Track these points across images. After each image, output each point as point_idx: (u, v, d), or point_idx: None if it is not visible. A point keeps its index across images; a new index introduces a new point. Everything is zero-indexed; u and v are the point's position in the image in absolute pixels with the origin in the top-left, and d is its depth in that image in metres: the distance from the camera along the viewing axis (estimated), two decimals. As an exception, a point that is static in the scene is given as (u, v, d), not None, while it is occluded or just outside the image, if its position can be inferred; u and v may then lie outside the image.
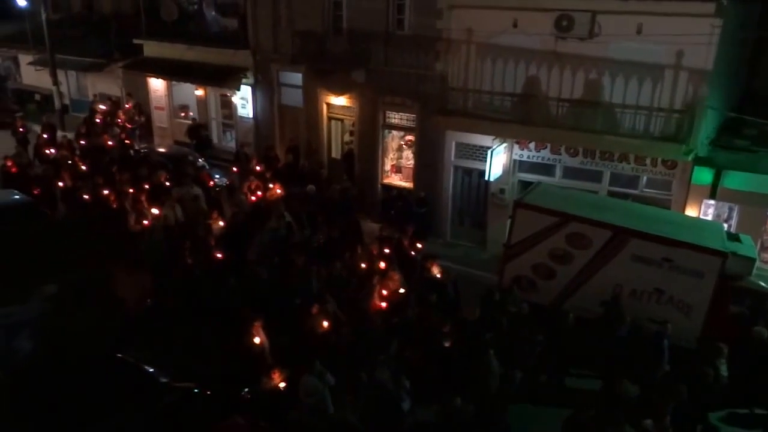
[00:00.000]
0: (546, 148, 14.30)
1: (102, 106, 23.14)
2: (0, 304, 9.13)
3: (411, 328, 9.94)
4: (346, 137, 18.51)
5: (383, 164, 17.43)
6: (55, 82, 24.85)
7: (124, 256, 11.92)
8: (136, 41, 22.52)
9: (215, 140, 22.01)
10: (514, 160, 14.82)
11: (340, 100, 17.65)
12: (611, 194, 13.74)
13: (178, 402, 8.29)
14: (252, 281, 10.90)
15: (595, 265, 11.12)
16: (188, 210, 13.67)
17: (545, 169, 14.54)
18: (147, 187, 14.42)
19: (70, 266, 10.01)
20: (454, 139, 15.52)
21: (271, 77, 19.19)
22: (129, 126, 21.67)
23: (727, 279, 10.39)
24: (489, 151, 14.19)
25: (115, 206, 13.83)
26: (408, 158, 17.08)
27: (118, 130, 20.45)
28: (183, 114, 23.14)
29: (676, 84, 12.55)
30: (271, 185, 15.29)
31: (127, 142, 19.86)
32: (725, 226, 12.40)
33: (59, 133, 21.26)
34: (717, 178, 12.68)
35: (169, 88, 22.88)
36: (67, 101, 26.70)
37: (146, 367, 8.70)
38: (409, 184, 16.93)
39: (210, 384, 8.66)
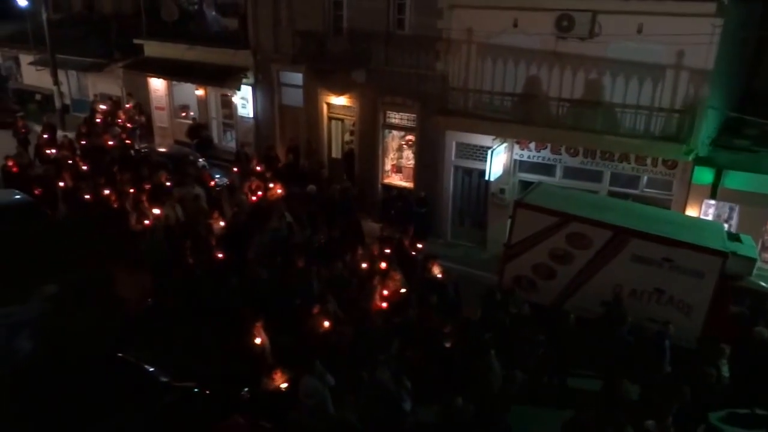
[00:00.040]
0: (546, 148, 14.29)
1: (102, 106, 23.19)
2: (0, 303, 9.13)
3: (412, 328, 9.93)
4: (347, 137, 18.51)
5: (383, 164, 17.43)
6: (56, 82, 24.86)
7: (124, 256, 11.92)
8: (136, 41, 22.52)
9: (215, 140, 22.03)
10: (515, 160, 14.81)
11: (341, 100, 17.65)
12: (612, 194, 13.74)
13: (178, 402, 8.29)
14: (252, 281, 10.90)
15: (595, 265, 11.11)
16: (189, 210, 13.68)
17: (545, 169, 14.53)
18: (148, 187, 14.43)
19: (70, 266, 10.01)
20: (454, 139, 15.52)
21: (272, 77, 19.19)
22: (129, 126, 21.68)
23: (728, 279, 10.39)
24: (489, 151, 14.19)
25: (115, 206, 13.83)
26: (408, 158, 17.08)
27: (118, 130, 20.46)
28: (183, 114, 23.15)
29: (676, 84, 12.54)
30: (271, 185, 15.29)
31: (127, 142, 19.89)
32: (726, 226, 12.39)
33: (60, 133, 21.27)
34: (717, 178, 12.67)
35: (170, 88, 22.87)
36: (67, 101, 26.74)
37: (146, 367, 8.71)
38: (409, 184, 16.92)
39: (210, 384, 8.65)
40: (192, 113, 22.71)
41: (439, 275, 11.40)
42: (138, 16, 22.75)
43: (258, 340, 9.21)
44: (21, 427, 7.47)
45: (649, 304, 10.77)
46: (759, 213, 12.71)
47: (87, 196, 14.17)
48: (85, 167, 16.23)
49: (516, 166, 14.87)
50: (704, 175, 12.80)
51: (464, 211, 16.23)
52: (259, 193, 15.01)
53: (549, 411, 9.61)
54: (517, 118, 13.99)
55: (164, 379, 8.56)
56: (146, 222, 12.98)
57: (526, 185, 14.19)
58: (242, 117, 20.75)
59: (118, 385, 8.06)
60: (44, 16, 24.01)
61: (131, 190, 14.08)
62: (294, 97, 18.86)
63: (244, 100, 20.36)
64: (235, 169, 17.23)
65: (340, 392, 8.49)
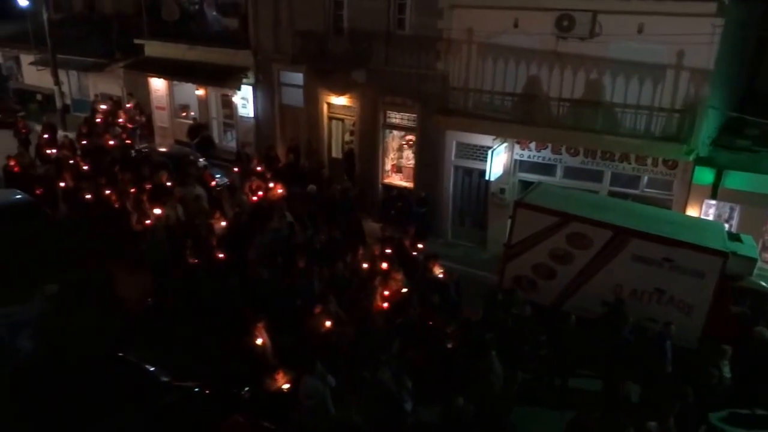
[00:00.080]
0: (547, 148, 14.29)
1: (103, 106, 23.18)
2: (1, 303, 9.13)
3: (413, 328, 9.93)
4: (347, 137, 18.50)
5: (384, 164, 17.42)
6: (57, 82, 24.86)
7: (124, 256, 11.93)
8: (137, 41, 22.52)
9: (216, 140, 22.02)
10: (515, 160, 14.81)
11: (341, 100, 17.65)
12: (612, 194, 13.73)
13: (179, 402, 8.29)
14: (253, 281, 10.90)
15: (595, 265, 11.11)
16: (190, 210, 13.68)
17: (546, 168, 14.53)
18: (149, 187, 14.44)
19: (70, 266, 10.01)
20: (454, 138, 15.51)
21: (272, 77, 19.19)
22: (130, 126, 21.69)
23: (728, 279, 10.38)
24: (489, 151, 14.18)
25: (116, 206, 13.84)
26: (408, 158, 17.08)
27: (119, 130, 20.46)
28: (184, 114, 23.15)
29: (677, 84, 12.53)
30: (272, 185, 15.29)
31: (128, 142, 19.88)
32: (726, 226, 12.38)
33: (60, 133, 21.31)
34: (718, 178, 12.65)
35: (170, 88, 22.87)
36: (68, 101, 26.73)
37: (147, 367, 8.71)
38: (409, 184, 16.92)
39: (210, 384, 8.65)
40: (192, 113, 22.71)
41: (441, 275, 11.41)
42: (139, 16, 22.75)
43: (259, 341, 9.21)
44: (21, 427, 7.47)
45: (649, 304, 10.77)
46: (759, 213, 12.70)
47: (88, 196, 14.18)
48: (85, 167, 16.23)
49: (516, 166, 14.87)
50: (705, 175, 12.79)
51: (464, 211, 16.22)
52: (260, 193, 15.01)
53: (550, 411, 9.61)
54: (517, 118, 13.99)
55: (164, 379, 8.56)
56: (147, 222, 12.98)
57: (526, 185, 14.19)
58: (243, 117, 20.76)
59: (118, 385, 8.06)
60: (45, 16, 24.00)
61: (132, 190, 14.08)
62: (294, 97, 18.86)
63: (245, 100, 20.36)
64: (236, 169, 17.24)
65: (341, 392, 8.50)
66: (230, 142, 21.93)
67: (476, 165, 15.33)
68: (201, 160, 18.38)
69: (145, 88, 23.33)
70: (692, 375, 9.12)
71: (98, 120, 21.73)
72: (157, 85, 23.06)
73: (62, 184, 15.04)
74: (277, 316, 9.83)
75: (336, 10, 16.81)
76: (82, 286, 9.83)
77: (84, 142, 19.12)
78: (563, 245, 11.32)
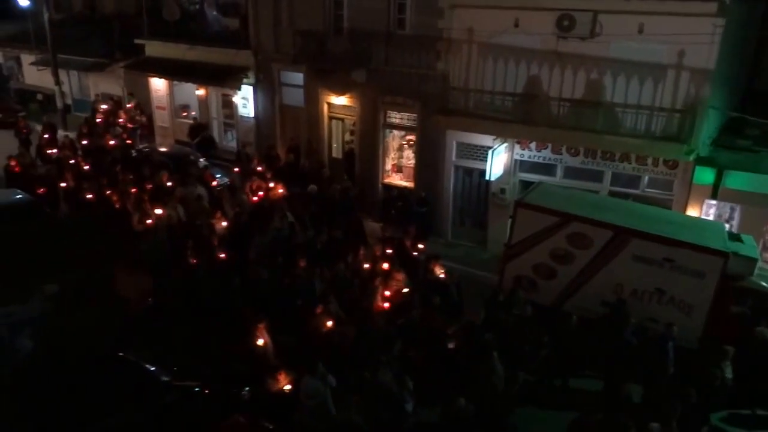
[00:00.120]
0: (547, 147, 14.28)
1: (104, 106, 23.18)
2: (1, 303, 9.13)
3: (414, 328, 9.92)
4: (347, 137, 18.50)
5: (384, 164, 17.42)
6: (57, 82, 24.87)
7: (125, 256, 11.92)
8: (137, 41, 22.54)
9: (216, 140, 22.00)
10: (515, 160, 14.80)
11: (341, 100, 17.65)
12: (612, 194, 13.72)
13: (179, 401, 8.29)
14: (254, 281, 10.90)
15: (596, 265, 11.10)
16: (191, 210, 13.68)
17: (546, 168, 14.52)
18: (149, 187, 14.44)
19: (71, 266, 10.01)
20: (454, 138, 15.51)
21: (273, 77, 19.19)
22: (130, 126, 21.68)
23: (729, 279, 10.37)
24: (490, 151, 14.18)
25: (117, 206, 13.84)
26: (409, 158, 17.07)
27: (119, 130, 20.48)
28: (184, 114, 23.16)
29: (677, 84, 12.53)
30: (272, 185, 15.29)
31: (128, 142, 19.89)
32: (727, 226, 12.36)
33: (61, 133, 21.31)
34: (718, 178, 12.65)
35: (171, 88, 22.88)
36: (69, 101, 26.76)
37: (147, 367, 8.71)
38: (409, 184, 16.92)
39: (210, 384, 8.65)
40: (193, 113, 22.72)
41: (442, 275, 11.40)
42: (139, 16, 22.77)
43: (260, 341, 9.21)
44: (21, 427, 7.47)
45: (649, 304, 10.76)
46: (760, 213, 12.69)
47: (89, 196, 14.19)
48: (86, 167, 16.24)
49: (516, 165, 14.86)
50: (705, 175, 12.78)
51: (465, 210, 16.22)
52: (261, 193, 15.02)
53: (551, 412, 9.60)
54: (517, 117, 13.98)
55: (164, 379, 8.57)
56: (148, 222, 12.98)
57: (526, 185, 14.18)
58: (243, 117, 20.76)
59: (118, 385, 8.07)
60: (46, 16, 24.00)
61: (133, 190, 14.09)
62: (295, 97, 18.87)
63: (245, 99, 20.36)
64: (236, 169, 17.24)
65: (342, 393, 8.49)
66: (231, 142, 21.93)
67: (476, 165, 15.33)
68: (201, 160, 18.38)
69: (146, 88, 23.34)
70: (694, 376, 9.09)
71: (99, 120, 21.74)
72: (158, 85, 23.07)
73: (63, 184, 15.05)
74: (278, 316, 9.83)
75: (336, 9, 16.81)
76: (82, 286, 9.82)
77: (85, 142, 19.15)
78: (564, 245, 11.31)
